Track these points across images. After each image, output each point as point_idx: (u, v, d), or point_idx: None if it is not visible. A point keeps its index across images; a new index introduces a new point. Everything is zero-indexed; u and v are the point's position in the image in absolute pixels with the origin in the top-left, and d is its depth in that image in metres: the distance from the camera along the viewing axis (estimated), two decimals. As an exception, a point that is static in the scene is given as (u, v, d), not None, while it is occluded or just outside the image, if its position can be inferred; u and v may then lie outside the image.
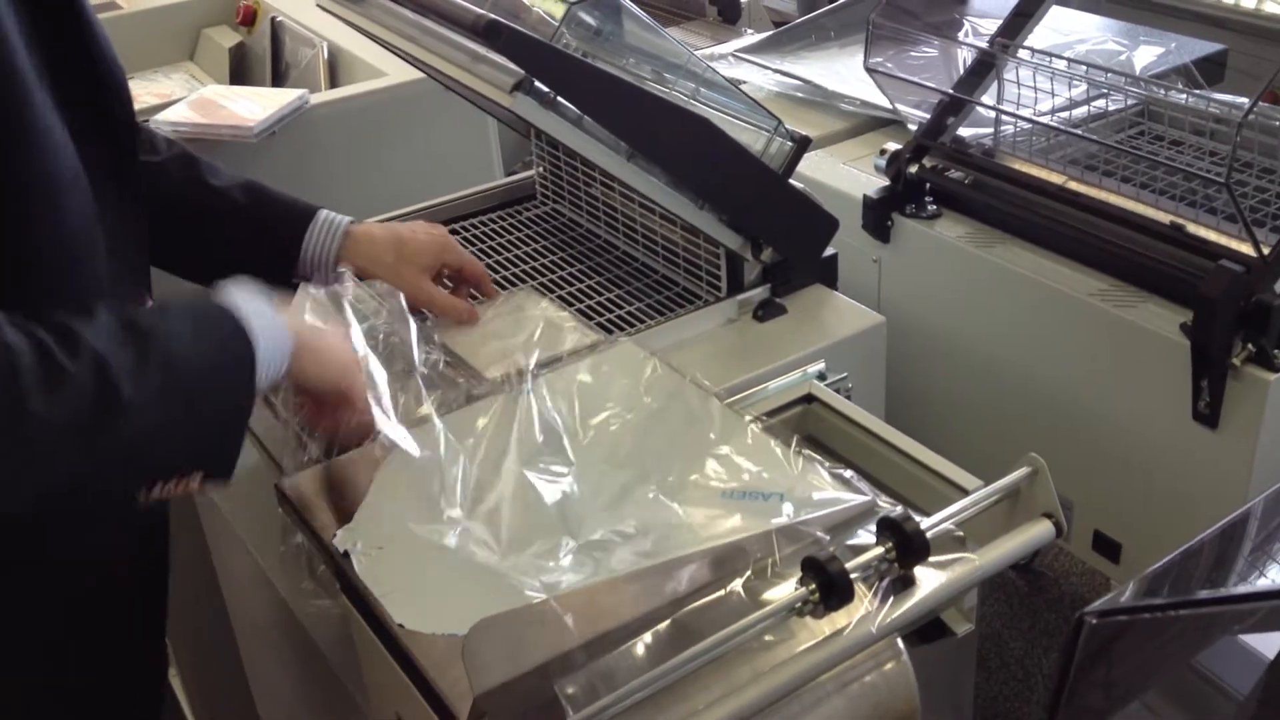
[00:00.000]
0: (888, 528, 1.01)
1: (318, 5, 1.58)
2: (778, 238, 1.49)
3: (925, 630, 1.13)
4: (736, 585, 1.00)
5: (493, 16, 1.14)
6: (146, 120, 1.99)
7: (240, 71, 2.49)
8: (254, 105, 1.91)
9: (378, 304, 1.31)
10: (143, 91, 2.38)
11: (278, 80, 2.42)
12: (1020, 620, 2.46)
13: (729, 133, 1.40)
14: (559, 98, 1.30)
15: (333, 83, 2.24)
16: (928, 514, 1.07)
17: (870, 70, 1.95)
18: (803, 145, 1.46)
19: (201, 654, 1.48)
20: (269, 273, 1.23)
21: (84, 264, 1.06)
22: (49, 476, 0.87)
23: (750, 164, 1.42)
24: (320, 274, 1.37)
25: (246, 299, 1.04)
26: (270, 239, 1.31)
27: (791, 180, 1.50)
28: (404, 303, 1.29)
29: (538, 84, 1.28)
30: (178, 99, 2.19)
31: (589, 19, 1.38)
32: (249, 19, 2.51)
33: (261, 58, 2.45)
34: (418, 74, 2.10)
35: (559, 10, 1.29)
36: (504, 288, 1.65)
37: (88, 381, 0.86)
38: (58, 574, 1.14)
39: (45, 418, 0.83)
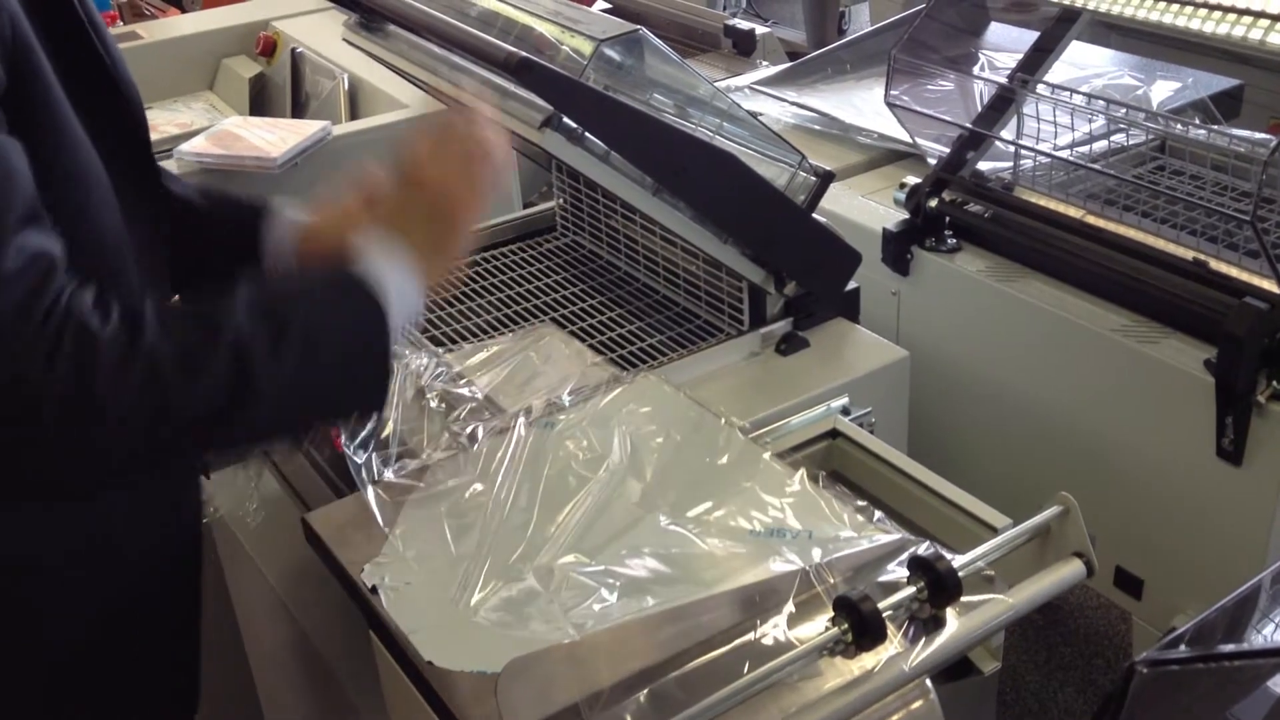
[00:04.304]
0: (919, 567, 1.01)
1: (343, 39, 1.59)
2: (801, 272, 1.50)
3: (952, 668, 1.13)
4: (770, 628, 0.99)
5: (524, 54, 1.14)
6: (169, 150, 2.00)
7: (260, 101, 2.51)
8: (276, 136, 1.92)
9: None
10: (163, 121, 2.39)
11: (297, 110, 2.44)
12: (1037, 654, 2.44)
13: (753, 167, 1.41)
14: (586, 133, 1.31)
15: (353, 114, 2.25)
16: (954, 551, 1.07)
17: (890, 104, 1.96)
18: (826, 180, 1.46)
19: (216, 682, 1.48)
20: (236, 268, 1.22)
21: (120, 275, 1.07)
22: (195, 450, 0.94)
23: (774, 199, 1.42)
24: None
25: (374, 256, 1.03)
26: (237, 240, 1.30)
27: (814, 214, 1.50)
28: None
29: (565, 120, 1.28)
30: (199, 129, 2.21)
31: (615, 55, 1.39)
32: (269, 50, 2.53)
33: (281, 88, 2.47)
34: (438, 105, 2.11)
35: (587, 47, 1.30)
36: (525, 320, 1.66)
37: (224, 373, 0.89)
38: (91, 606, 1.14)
39: (184, 408, 0.88)
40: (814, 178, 1.46)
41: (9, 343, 0.85)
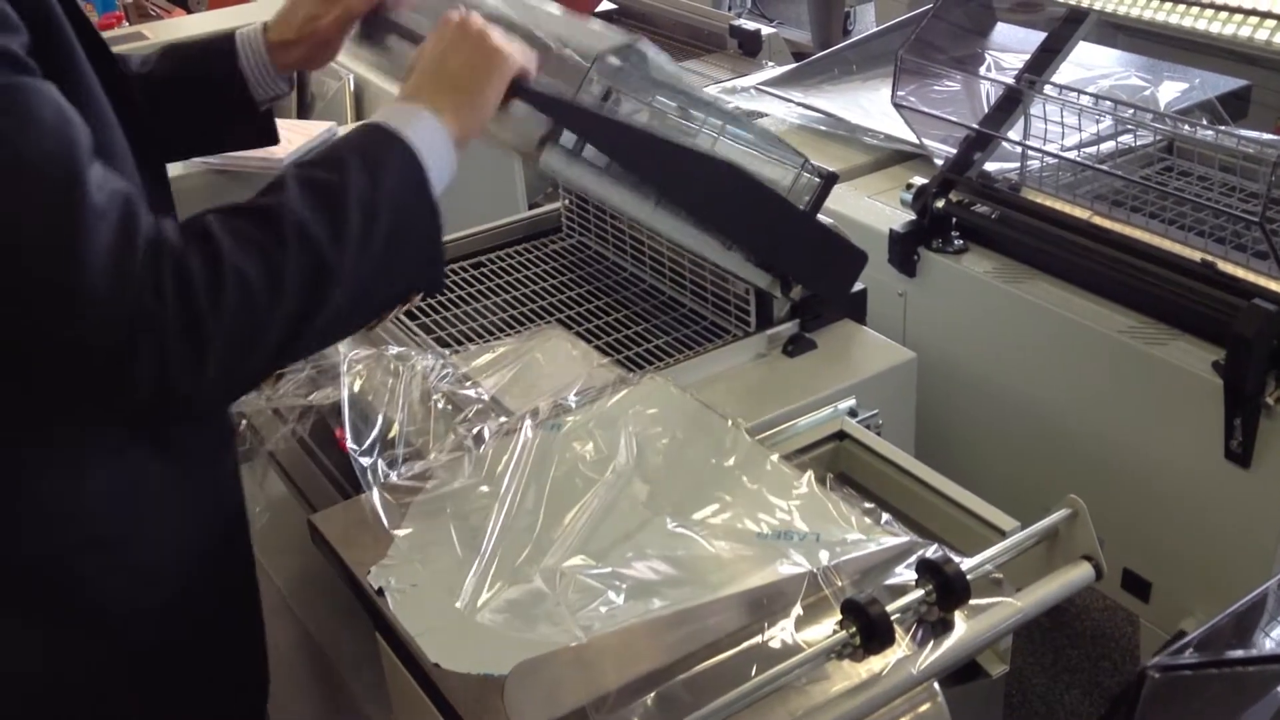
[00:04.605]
0: (928, 570, 1.00)
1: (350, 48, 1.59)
2: (807, 275, 1.49)
3: (959, 670, 1.12)
4: (778, 630, 0.99)
5: (519, 70, 1.14)
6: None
7: (265, 102, 2.51)
8: (283, 137, 1.92)
9: None
10: (169, 121, 2.39)
11: (303, 111, 2.43)
12: (1043, 656, 2.43)
13: (756, 169, 1.40)
14: (583, 151, 1.30)
15: (358, 114, 2.25)
16: (962, 553, 1.06)
17: (898, 105, 1.96)
18: (830, 181, 1.45)
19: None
20: (231, 110, 1.27)
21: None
22: (293, 341, 0.95)
23: (777, 204, 1.41)
24: (265, 79, 1.34)
25: (397, 114, 1.06)
26: (217, 86, 1.30)
27: (820, 215, 1.49)
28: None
29: (562, 139, 1.28)
30: (204, 129, 2.21)
31: (614, 64, 1.39)
32: (274, 50, 2.52)
33: (286, 89, 2.47)
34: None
35: (586, 59, 1.29)
36: (531, 322, 1.65)
37: (300, 268, 0.93)
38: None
39: (275, 310, 0.92)
40: (817, 179, 1.45)
41: (117, 280, 0.86)
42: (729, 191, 1.36)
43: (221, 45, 1.34)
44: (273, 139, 1.37)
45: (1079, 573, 1.08)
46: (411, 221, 1.02)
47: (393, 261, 1.01)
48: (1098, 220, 1.74)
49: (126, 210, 0.88)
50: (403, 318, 1.61)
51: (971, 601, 1.02)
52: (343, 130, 2.01)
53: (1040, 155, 1.83)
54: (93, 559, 1.05)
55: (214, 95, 1.26)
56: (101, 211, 0.87)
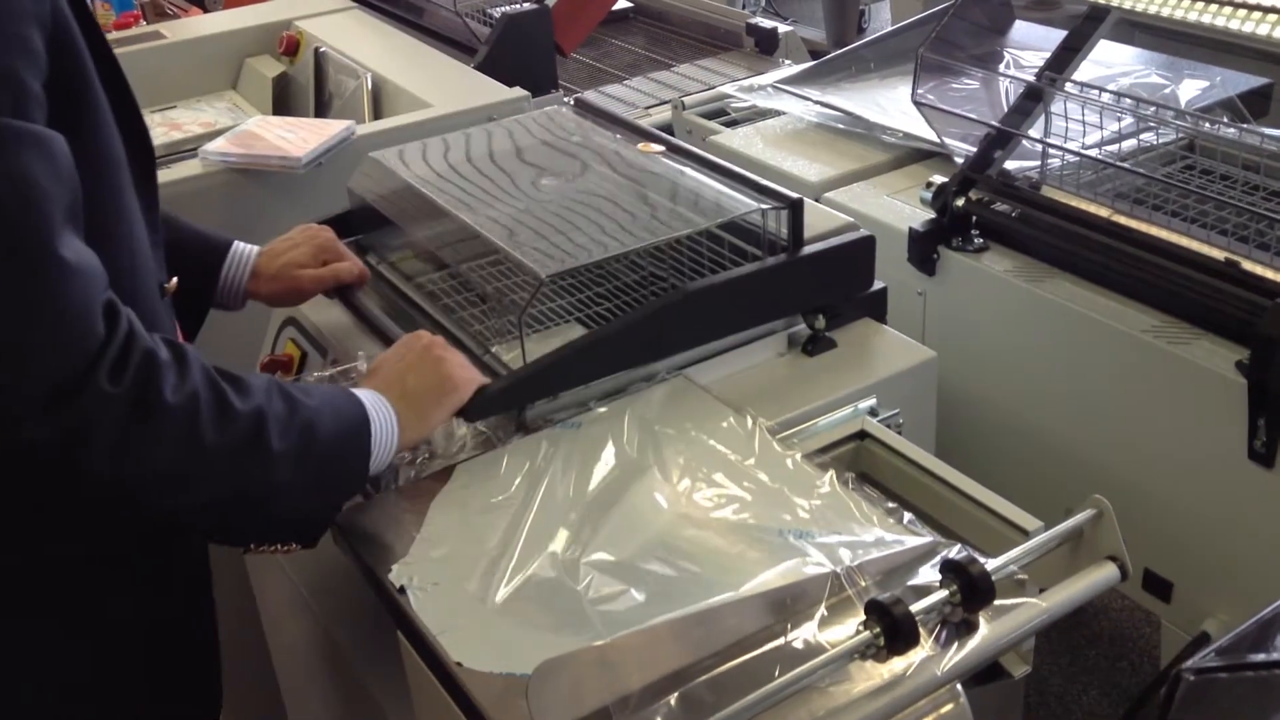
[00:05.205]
0: (952, 570, 1.00)
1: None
2: (823, 300, 1.49)
3: (981, 671, 1.12)
4: (801, 631, 0.98)
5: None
6: (193, 150, 2.01)
7: (283, 101, 2.51)
8: (300, 136, 1.92)
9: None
10: (187, 120, 2.40)
11: (320, 110, 2.43)
12: (1060, 656, 2.42)
13: (719, 222, 1.42)
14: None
15: (376, 113, 2.25)
16: (984, 554, 1.06)
17: (918, 103, 1.95)
18: (798, 206, 1.44)
19: (240, 682, 1.48)
20: (188, 300, 1.31)
21: (139, 259, 1.10)
22: (207, 494, 1.00)
23: (768, 276, 1.43)
24: (232, 300, 1.46)
25: (367, 392, 1.17)
26: (192, 272, 1.34)
27: (821, 208, 1.49)
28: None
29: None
30: (223, 128, 2.21)
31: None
32: (292, 49, 2.52)
33: (305, 87, 2.47)
34: (463, 105, 2.11)
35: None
36: (550, 322, 1.65)
37: (250, 424, 1.00)
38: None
39: (215, 445, 0.98)
40: (785, 209, 1.44)
41: (73, 340, 0.89)
42: (713, 307, 1.40)
43: (217, 244, 1.44)
44: (191, 333, 1.42)
45: (1104, 574, 1.07)
46: (337, 466, 1.10)
47: (305, 487, 1.07)
48: (1119, 219, 1.73)
49: (98, 278, 0.92)
50: (430, 312, 1.60)
51: (995, 602, 1.01)
52: (361, 129, 2.01)
53: (1061, 153, 1.82)
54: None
55: (185, 276, 1.28)
56: (71, 268, 0.90)
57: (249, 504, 1.04)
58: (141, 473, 0.94)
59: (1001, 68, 2.17)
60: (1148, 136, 1.82)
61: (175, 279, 1.21)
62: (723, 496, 1.16)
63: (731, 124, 2.44)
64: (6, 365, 0.87)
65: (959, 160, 1.92)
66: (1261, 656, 0.70)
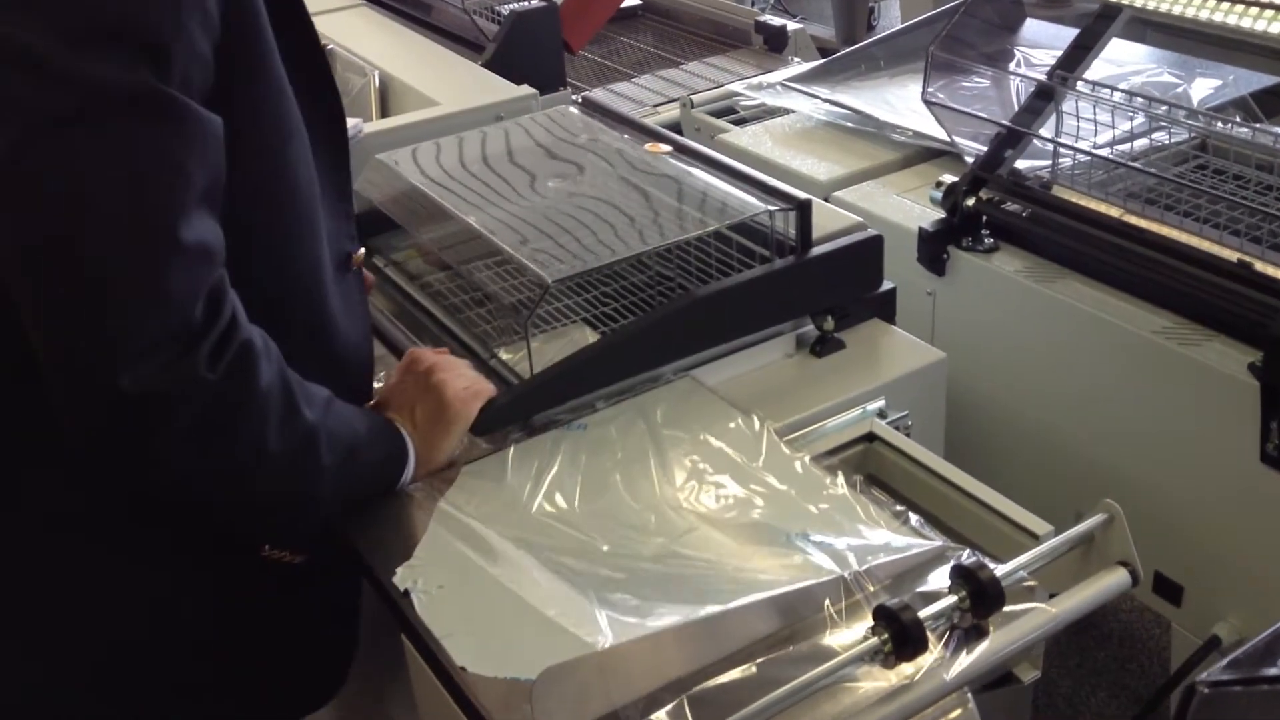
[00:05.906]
0: (961, 576, 0.99)
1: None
2: (832, 301, 1.48)
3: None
4: (809, 635, 0.97)
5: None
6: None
7: (290, 98, 2.51)
8: (307, 134, 1.91)
9: None
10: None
11: (328, 107, 2.43)
12: (1069, 658, 2.41)
13: (730, 223, 1.41)
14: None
15: (384, 111, 2.25)
16: (994, 558, 1.05)
17: (928, 102, 1.94)
18: (806, 208, 1.44)
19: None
20: None
21: (310, 224, 1.10)
22: (259, 492, 1.02)
23: (777, 278, 1.42)
24: None
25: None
26: None
27: (829, 208, 1.48)
28: None
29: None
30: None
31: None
32: (300, 46, 2.53)
33: (312, 85, 2.47)
34: (470, 103, 2.10)
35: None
36: (555, 322, 1.64)
37: (308, 434, 1.03)
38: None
39: (277, 449, 1.00)
40: (793, 210, 1.43)
41: (170, 316, 0.89)
42: (721, 311, 1.39)
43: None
44: None
45: (1114, 579, 1.06)
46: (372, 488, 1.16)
47: (332, 504, 1.09)
48: (1130, 219, 1.72)
49: (209, 263, 0.93)
50: (435, 313, 1.59)
51: (1005, 608, 1.00)
52: (369, 127, 2.01)
53: (1072, 153, 1.80)
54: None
55: None
56: (188, 247, 0.90)
57: (291, 508, 1.06)
58: (206, 463, 0.96)
59: (1012, 66, 2.15)
60: (1160, 136, 1.80)
61: (363, 250, 1.23)
62: (730, 499, 1.15)
63: (740, 122, 2.43)
64: (112, 322, 0.88)
65: (969, 159, 1.91)
66: (1276, 670, 0.69)
